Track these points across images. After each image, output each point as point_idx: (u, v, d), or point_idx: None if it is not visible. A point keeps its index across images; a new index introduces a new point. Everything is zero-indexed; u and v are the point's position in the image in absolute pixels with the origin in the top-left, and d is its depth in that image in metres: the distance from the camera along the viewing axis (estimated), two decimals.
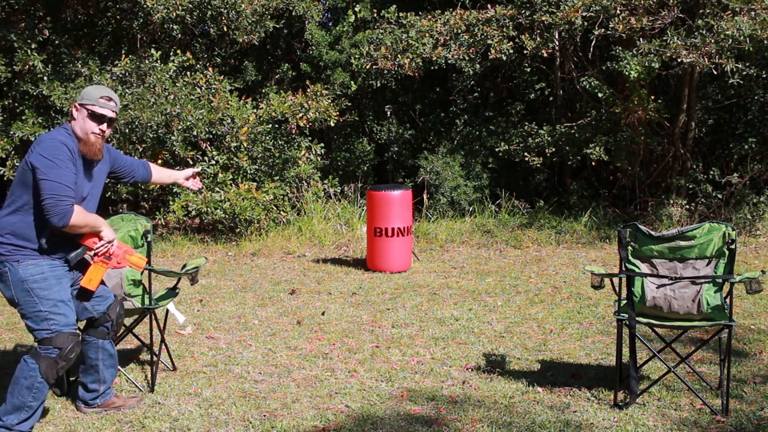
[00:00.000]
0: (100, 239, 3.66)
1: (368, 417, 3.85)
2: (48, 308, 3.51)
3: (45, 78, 9.29)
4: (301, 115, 9.52)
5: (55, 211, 3.39)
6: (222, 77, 9.72)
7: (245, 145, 9.36)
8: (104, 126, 3.63)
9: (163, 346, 4.56)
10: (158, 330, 4.46)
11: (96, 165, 3.72)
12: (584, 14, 9.04)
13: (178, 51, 9.70)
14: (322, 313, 5.99)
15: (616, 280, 4.00)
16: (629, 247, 3.96)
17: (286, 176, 9.98)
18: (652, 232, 3.93)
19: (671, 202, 9.76)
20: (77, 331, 3.62)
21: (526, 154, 10.17)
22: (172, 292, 4.60)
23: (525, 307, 6.13)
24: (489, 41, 9.60)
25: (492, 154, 10.94)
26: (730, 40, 8.28)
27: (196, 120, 8.90)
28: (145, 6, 9.29)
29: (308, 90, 9.80)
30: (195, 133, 9.05)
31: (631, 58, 8.81)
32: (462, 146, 11.17)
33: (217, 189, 9.27)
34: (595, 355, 4.84)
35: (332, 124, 9.84)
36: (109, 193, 9.51)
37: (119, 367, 4.39)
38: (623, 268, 3.94)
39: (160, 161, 9.12)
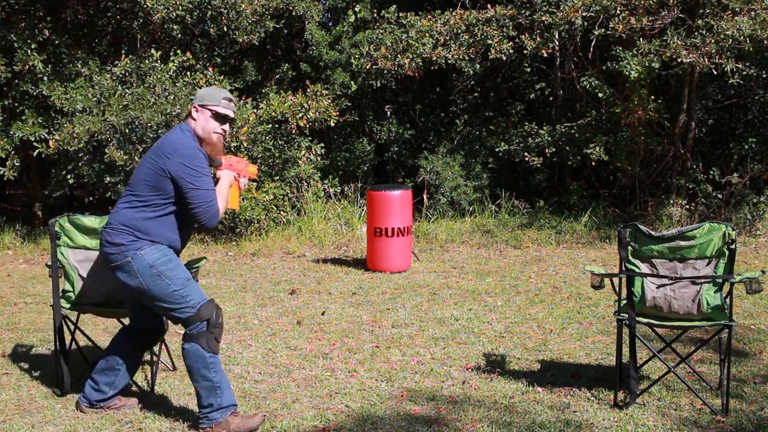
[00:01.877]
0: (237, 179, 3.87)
1: (368, 417, 3.85)
2: (181, 286, 3.57)
3: (45, 78, 9.29)
4: (301, 115, 9.52)
5: (207, 216, 3.57)
6: (222, 77, 9.72)
7: (245, 145, 9.35)
8: (226, 126, 3.74)
9: (163, 346, 4.56)
10: None
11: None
12: (584, 14, 9.04)
13: (178, 51, 9.70)
14: (322, 313, 5.99)
15: (616, 280, 4.00)
16: (629, 247, 3.96)
17: (286, 176, 9.98)
18: (652, 232, 3.93)
19: (671, 202, 9.76)
20: (212, 299, 3.68)
21: (526, 154, 10.17)
22: None
23: (525, 307, 6.13)
24: (489, 41, 9.60)
25: (492, 154, 10.94)
26: (730, 40, 8.28)
27: None
28: (145, 6, 9.28)
29: (308, 90, 9.79)
30: None
31: (631, 58, 8.81)
32: (462, 146, 11.17)
33: None
34: (595, 355, 4.84)
35: (332, 124, 9.84)
36: (110, 193, 9.51)
37: None
38: (623, 268, 3.94)
39: None
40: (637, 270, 3.95)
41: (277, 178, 9.90)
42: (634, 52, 8.87)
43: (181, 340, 3.64)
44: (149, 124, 8.80)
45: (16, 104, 9.69)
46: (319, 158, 10.23)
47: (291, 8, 10.42)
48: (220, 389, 3.60)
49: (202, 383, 3.58)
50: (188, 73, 9.63)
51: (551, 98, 11.45)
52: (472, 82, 11.35)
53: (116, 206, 3.68)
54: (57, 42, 9.85)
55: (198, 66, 10.05)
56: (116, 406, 3.95)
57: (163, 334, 4.03)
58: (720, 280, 3.83)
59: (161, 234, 3.59)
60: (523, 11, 9.60)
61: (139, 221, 3.56)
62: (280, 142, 9.94)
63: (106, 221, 3.70)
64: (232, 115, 3.75)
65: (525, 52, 9.55)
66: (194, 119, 3.69)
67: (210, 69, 9.85)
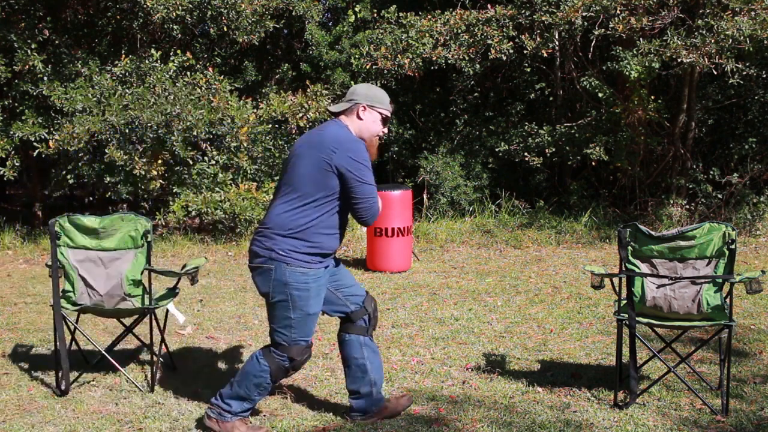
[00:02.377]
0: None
1: None
2: (297, 318, 3.48)
3: (45, 78, 9.29)
4: (301, 115, 9.52)
5: (370, 213, 3.48)
6: (222, 77, 9.72)
7: (245, 145, 9.35)
8: (385, 129, 3.69)
9: (163, 346, 4.56)
10: (158, 330, 4.45)
11: None
12: (584, 14, 9.04)
13: (178, 51, 9.70)
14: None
15: (616, 280, 4.00)
16: (629, 247, 3.96)
17: None
18: (652, 232, 3.93)
19: (671, 202, 9.76)
20: (310, 342, 3.61)
21: (526, 154, 10.17)
22: (172, 292, 4.60)
23: (525, 307, 6.13)
24: (489, 41, 9.60)
25: (492, 154, 10.94)
26: (730, 40, 8.28)
27: (196, 120, 8.89)
28: (145, 6, 9.28)
29: (308, 90, 9.79)
30: (195, 133, 9.04)
31: (631, 58, 8.81)
32: (462, 146, 11.17)
33: (217, 189, 9.27)
34: (595, 355, 4.84)
35: None
36: (110, 193, 9.51)
37: (119, 366, 4.40)
38: (623, 268, 3.94)
39: (160, 161, 9.12)
40: (637, 270, 3.95)
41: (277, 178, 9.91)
42: (634, 52, 8.86)
43: (263, 349, 3.61)
44: (149, 124, 8.80)
45: (16, 104, 9.69)
46: None
47: (291, 8, 10.42)
48: (249, 408, 3.63)
49: (242, 391, 3.58)
50: (188, 73, 9.63)
51: (551, 98, 11.45)
52: (472, 82, 11.35)
53: (273, 206, 3.53)
54: (57, 42, 9.84)
55: (198, 66, 10.05)
56: (389, 409, 3.79)
57: (371, 303, 3.77)
58: (720, 280, 3.83)
59: (320, 242, 3.46)
60: (523, 11, 9.60)
61: (303, 227, 3.42)
62: (280, 142, 9.94)
63: (264, 220, 3.54)
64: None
65: (525, 52, 9.55)
66: (360, 119, 3.58)
67: (210, 69, 9.85)
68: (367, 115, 3.59)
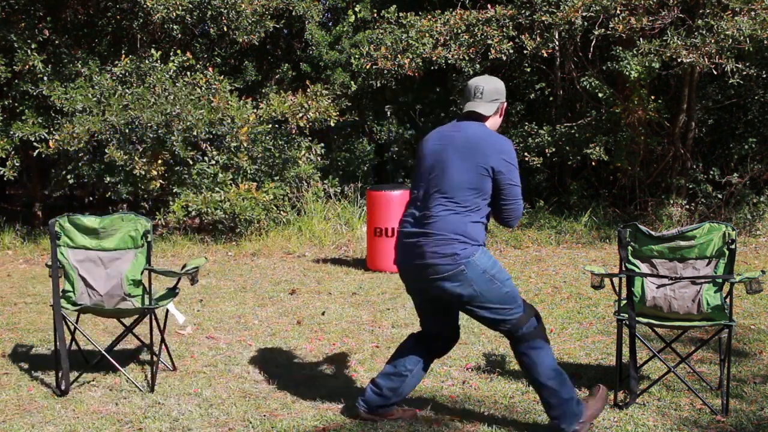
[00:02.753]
0: None
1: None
2: (511, 287, 3.46)
3: (45, 78, 9.29)
4: (301, 115, 9.52)
5: (515, 215, 3.49)
6: (222, 77, 9.72)
7: (245, 145, 9.35)
8: None
9: (163, 346, 4.55)
10: (158, 330, 4.45)
11: None
12: (584, 14, 9.04)
13: (178, 51, 9.70)
14: (322, 313, 5.99)
15: (616, 280, 4.00)
16: (629, 247, 3.96)
17: (286, 176, 9.98)
18: (652, 232, 3.93)
19: (671, 202, 9.76)
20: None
21: (526, 154, 10.17)
22: (172, 292, 4.60)
23: None
24: (489, 41, 9.59)
25: None
26: (730, 40, 8.28)
27: (196, 120, 8.90)
28: (145, 6, 9.29)
29: (308, 90, 9.79)
30: (195, 133, 9.05)
31: (631, 58, 8.80)
32: None
33: (217, 189, 9.27)
34: (595, 355, 4.84)
35: (332, 124, 9.84)
36: (110, 193, 9.51)
37: (119, 366, 4.40)
38: (623, 268, 3.93)
39: (160, 161, 9.12)
40: (637, 270, 3.95)
41: (277, 178, 9.91)
42: (634, 52, 8.86)
43: (515, 347, 3.49)
44: (149, 124, 8.81)
45: (16, 104, 9.69)
46: (319, 158, 10.24)
47: (291, 8, 10.42)
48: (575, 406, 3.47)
49: (565, 397, 3.43)
50: (188, 73, 9.64)
51: (551, 98, 11.45)
52: None
53: (433, 214, 3.44)
54: (57, 42, 9.85)
55: (198, 66, 10.06)
56: (394, 416, 3.75)
57: (456, 341, 3.80)
58: (720, 280, 3.83)
59: (482, 236, 3.45)
60: (523, 11, 9.60)
61: (467, 225, 3.39)
62: (280, 142, 9.94)
63: (424, 230, 3.44)
64: None
65: (525, 52, 9.54)
66: (500, 116, 3.62)
67: (210, 69, 9.85)
68: (501, 111, 3.62)
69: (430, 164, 3.53)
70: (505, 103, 3.62)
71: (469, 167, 3.40)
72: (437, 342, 3.73)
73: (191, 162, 9.37)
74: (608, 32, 9.00)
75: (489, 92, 3.54)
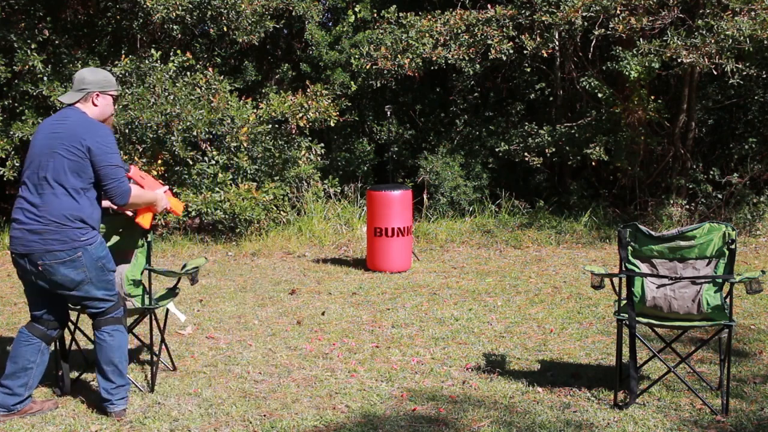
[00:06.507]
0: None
1: (368, 417, 3.85)
2: (112, 277, 3.89)
3: (45, 78, 9.28)
4: (301, 115, 9.51)
5: (118, 192, 3.72)
6: (222, 77, 9.72)
7: (245, 145, 9.35)
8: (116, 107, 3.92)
9: (163, 346, 4.56)
10: (158, 330, 4.45)
11: None
12: (584, 14, 9.04)
13: (178, 51, 9.70)
14: (322, 313, 5.99)
15: (616, 280, 4.00)
16: (629, 247, 3.96)
17: (286, 176, 9.98)
18: (652, 232, 3.93)
19: (671, 202, 9.76)
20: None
21: (526, 154, 10.17)
22: (172, 292, 4.60)
23: (525, 307, 6.13)
24: (489, 41, 9.59)
25: (492, 154, 10.94)
26: (730, 40, 8.28)
27: (196, 120, 8.89)
28: (145, 6, 9.28)
29: (308, 90, 9.79)
30: (195, 133, 9.05)
31: (631, 58, 8.81)
32: (462, 146, 11.17)
33: (217, 189, 9.27)
34: (595, 355, 4.84)
35: (332, 124, 9.83)
36: None
37: None
38: (623, 268, 3.94)
39: (160, 161, 9.12)
40: (637, 270, 3.95)
41: (277, 178, 9.90)
42: (634, 52, 8.86)
43: (97, 329, 3.84)
44: (149, 124, 8.80)
45: (16, 104, 9.68)
46: (319, 158, 10.23)
47: (291, 8, 10.42)
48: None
49: (122, 369, 3.90)
50: (188, 73, 9.63)
51: (551, 98, 11.45)
52: (472, 82, 11.35)
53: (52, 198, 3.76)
54: (57, 42, 9.84)
55: (198, 66, 10.05)
56: (33, 410, 3.90)
57: (67, 324, 4.06)
58: (720, 280, 3.83)
59: (98, 218, 3.87)
60: (523, 11, 9.60)
61: (83, 211, 3.73)
62: (280, 142, 9.93)
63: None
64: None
65: (525, 52, 9.55)
66: (96, 105, 3.83)
67: (210, 69, 9.84)
68: (102, 100, 3.83)
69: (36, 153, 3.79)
70: (98, 92, 3.79)
71: (72, 152, 3.68)
72: (52, 327, 3.95)
73: (191, 162, 9.37)
74: (608, 32, 9.00)
75: (78, 82, 3.81)
